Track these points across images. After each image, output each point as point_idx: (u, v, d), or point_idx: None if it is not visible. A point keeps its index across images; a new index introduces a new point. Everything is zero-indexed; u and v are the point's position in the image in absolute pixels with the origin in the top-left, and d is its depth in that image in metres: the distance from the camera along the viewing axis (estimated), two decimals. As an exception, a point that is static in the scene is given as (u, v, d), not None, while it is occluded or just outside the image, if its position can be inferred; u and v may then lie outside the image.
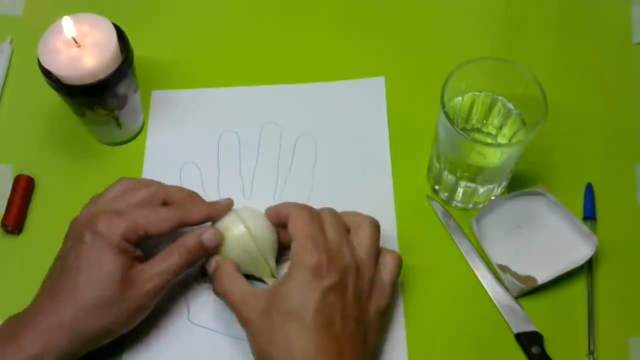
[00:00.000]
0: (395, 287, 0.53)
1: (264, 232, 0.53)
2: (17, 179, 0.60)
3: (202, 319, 0.55)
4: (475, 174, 0.55)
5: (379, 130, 0.63)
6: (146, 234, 0.50)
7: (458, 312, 0.55)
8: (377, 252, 0.51)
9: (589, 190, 0.59)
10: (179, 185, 0.55)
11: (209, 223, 0.53)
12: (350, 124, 0.64)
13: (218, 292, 0.51)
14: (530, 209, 0.58)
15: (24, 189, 0.60)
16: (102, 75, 0.55)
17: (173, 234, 0.52)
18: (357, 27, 0.69)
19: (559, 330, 0.54)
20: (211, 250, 0.52)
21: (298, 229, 0.49)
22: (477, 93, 0.55)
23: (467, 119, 0.57)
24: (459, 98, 0.55)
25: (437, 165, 0.57)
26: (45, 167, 0.62)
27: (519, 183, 0.59)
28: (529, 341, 0.53)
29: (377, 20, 0.70)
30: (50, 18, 0.56)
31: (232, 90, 0.66)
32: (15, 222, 0.59)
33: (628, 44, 0.68)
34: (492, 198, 0.58)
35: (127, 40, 0.57)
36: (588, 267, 0.56)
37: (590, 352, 0.53)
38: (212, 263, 0.52)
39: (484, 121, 0.57)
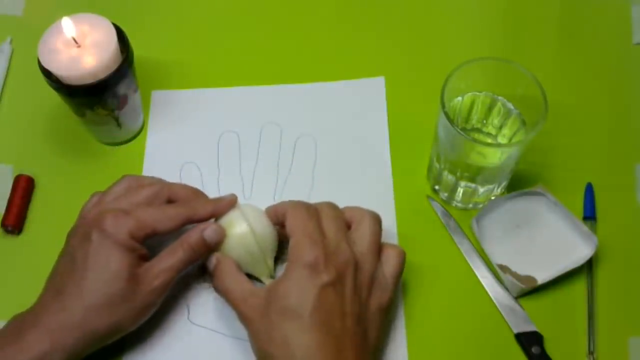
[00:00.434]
0: (399, 283, 0.53)
1: (265, 230, 0.53)
2: (17, 179, 0.60)
3: (202, 319, 0.55)
4: (475, 174, 0.55)
5: (379, 130, 0.63)
6: (153, 231, 0.50)
7: (458, 312, 0.55)
8: (379, 247, 0.51)
9: (589, 190, 0.59)
10: (179, 185, 0.56)
11: (212, 219, 0.54)
12: (350, 124, 0.64)
13: (218, 290, 0.51)
14: (530, 209, 0.58)
15: (24, 189, 0.60)
16: (102, 75, 0.55)
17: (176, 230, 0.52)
18: (358, 27, 0.69)
19: (559, 330, 0.54)
20: (213, 247, 0.52)
21: (295, 226, 0.49)
22: (477, 93, 0.55)
23: (467, 119, 0.57)
24: (459, 98, 0.55)
25: (437, 165, 0.57)
26: (45, 167, 0.62)
27: (519, 183, 0.59)
28: (529, 341, 0.53)
29: (377, 20, 0.70)
30: (50, 18, 0.56)
31: (232, 90, 0.66)
32: (15, 222, 0.59)
33: (628, 44, 0.68)
34: (492, 198, 0.58)
35: (127, 40, 0.57)
36: (588, 267, 0.56)
37: (590, 352, 0.53)
38: (213, 260, 0.52)
39: (484, 121, 0.57)
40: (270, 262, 0.54)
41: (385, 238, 0.54)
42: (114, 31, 0.55)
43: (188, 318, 0.55)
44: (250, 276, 0.53)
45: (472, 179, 0.56)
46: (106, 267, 0.48)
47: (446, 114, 0.50)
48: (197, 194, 0.55)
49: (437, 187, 0.60)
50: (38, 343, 0.46)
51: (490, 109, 0.56)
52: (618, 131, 0.63)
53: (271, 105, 0.65)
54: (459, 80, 0.52)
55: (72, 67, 0.54)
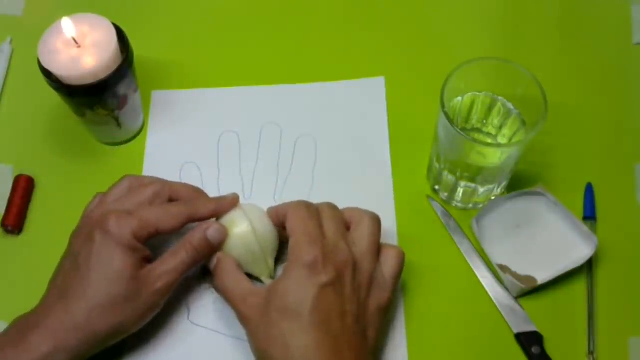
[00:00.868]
0: (398, 283, 0.53)
1: (267, 230, 0.53)
2: (17, 179, 0.60)
3: (203, 320, 0.55)
4: (475, 174, 0.55)
5: (379, 130, 0.63)
6: (156, 230, 0.50)
7: (458, 312, 0.55)
8: (378, 247, 0.51)
9: (589, 190, 0.59)
10: (179, 185, 0.56)
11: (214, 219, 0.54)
12: (350, 124, 0.64)
13: (218, 289, 0.52)
14: (530, 209, 0.58)
15: (24, 189, 0.60)
16: (102, 75, 0.55)
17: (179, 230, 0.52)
18: (357, 27, 0.69)
19: (559, 330, 0.54)
20: (216, 247, 0.52)
21: (295, 226, 0.49)
22: (477, 93, 0.55)
23: (467, 119, 0.57)
24: (459, 98, 0.55)
25: (437, 165, 0.57)
26: (45, 167, 0.62)
27: (519, 183, 0.59)
28: (529, 341, 0.53)
29: (377, 20, 0.70)
30: (50, 18, 0.56)
31: (232, 90, 0.66)
32: (15, 222, 0.59)
33: (628, 44, 0.68)
34: (492, 198, 0.58)
35: (127, 40, 0.57)
36: (588, 267, 0.56)
37: (590, 352, 0.53)
38: (214, 259, 0.52)
39: (484, 121, 0.57)
40: (271, 262, 0.54)
41: (385, 238, 0.54)
42: (114, 31, 0.55)
43: (188, 318, 0.55)
44: (250, 276, 0.53)
45: (472, 179, 0.56)
46: (109, 267, 0.48)
47: (446, 114, 0.50)
48: (199, 192, 0.55)
49: (437, 187, 0.60)
50: (41, 344, 0.46)
51: (490, 109, 0.56)
52: (618, 131, 0.63)
53: (271, 105, 0.65)
54: (459, 80, 0.52)
55: (72, 67, 0.54)
